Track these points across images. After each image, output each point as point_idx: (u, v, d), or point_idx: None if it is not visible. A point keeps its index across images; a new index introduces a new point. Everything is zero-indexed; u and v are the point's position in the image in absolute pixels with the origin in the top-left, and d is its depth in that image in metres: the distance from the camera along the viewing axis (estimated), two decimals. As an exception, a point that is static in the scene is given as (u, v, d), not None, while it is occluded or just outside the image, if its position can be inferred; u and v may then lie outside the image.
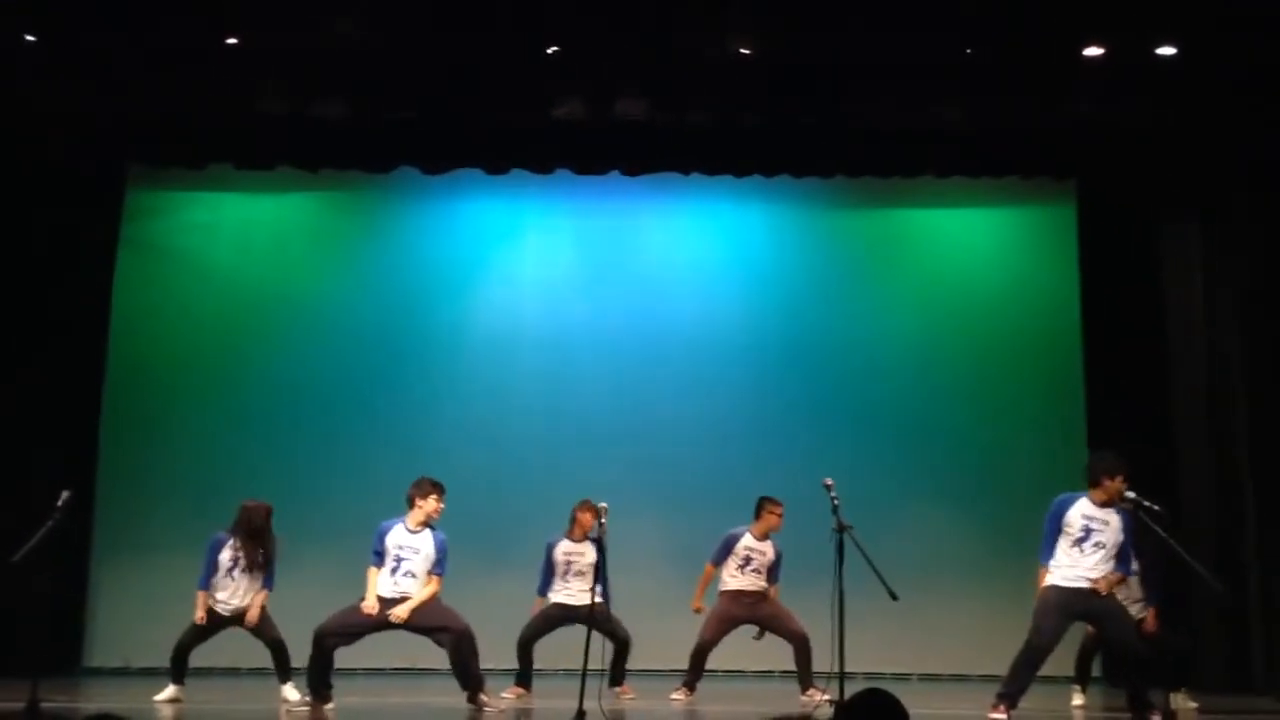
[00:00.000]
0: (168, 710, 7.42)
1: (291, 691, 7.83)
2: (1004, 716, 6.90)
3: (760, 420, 10.51)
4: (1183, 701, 7.55)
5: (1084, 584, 6.92)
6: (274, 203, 10.92)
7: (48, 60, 8.82)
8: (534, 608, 8.56)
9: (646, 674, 9.33)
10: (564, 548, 8.56)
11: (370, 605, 7.37)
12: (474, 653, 7.42)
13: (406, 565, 7.44)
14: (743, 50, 8.83)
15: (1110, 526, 6.99)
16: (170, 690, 7.92)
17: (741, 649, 8.80)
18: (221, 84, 9.03)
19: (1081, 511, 7.02)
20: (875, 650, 8.46)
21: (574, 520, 8.55)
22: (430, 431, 10.41)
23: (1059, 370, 10.53)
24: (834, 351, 10.74)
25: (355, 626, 7.40)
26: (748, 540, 8.46)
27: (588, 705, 6.28)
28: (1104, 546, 6.96)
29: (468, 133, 9.82)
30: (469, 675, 7.41)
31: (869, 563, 7.68)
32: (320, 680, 7.37)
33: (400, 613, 7.35)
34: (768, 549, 8.46)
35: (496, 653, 8.53)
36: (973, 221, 11.04)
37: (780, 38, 8.79)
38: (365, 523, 8.82)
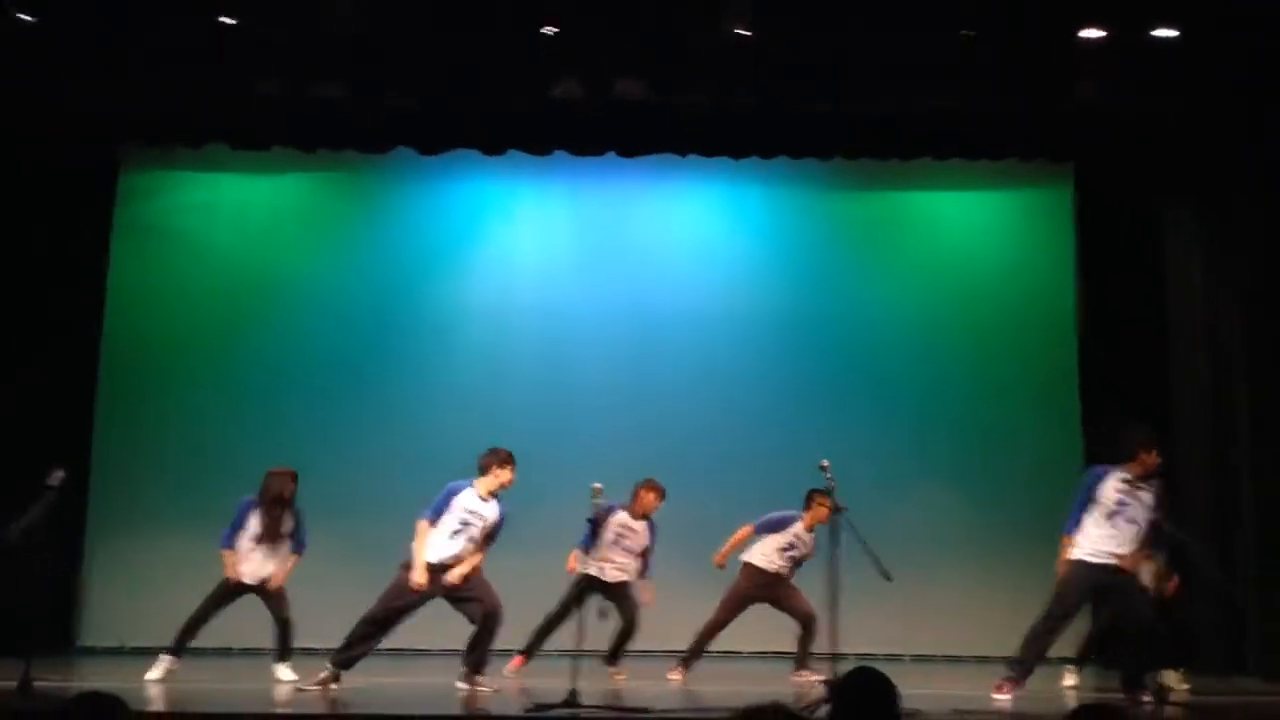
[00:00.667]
0: (157, 689, 7.41)
1: (286, 672, 7.84)
2: (1007, 697, 6.90)
3: (757, 401, 10.51)
4: (1176, 681, 7.56)
5: (1111, 560, 6.89)
6: (270, 183, 10.90)
7: (43, 41, 8.78)
8: (570, 560, 8.40)
9: (645, 655, 9.34)
10: (619, 519, 8.43)
11: (420, 580, 7.28)
12: (493, 634, 7.44)
13: (470, 531, 7.42)
14: (740, 31, 8.79)
15: (1142, 503, 6.93)
16: (165, 664, 7.86)
17: (737, 629, 8.81)
18: (218, 65, 8.98)
19: (1115, 485, 6.95)
20: (868, 630, 8.45)
21: (636, 496, 8.46)
22: (426, 411, 10.42)
23: (1055, 352, 10.54)
24: (831, 333, 10.74)
25: (408, 607, 7.38)
26: (799, 529, 8.41)
27: (580, 685, 6.30)
28: (1136, 523, 6.90)
29: (464, 114, 9.79)
30: (480, 653, 7.43)
31: (862, 543, 7.71)
32: (350, 662, 7.35)
33: (454, 577, 7.32)
34: (811, 542, 8.41)
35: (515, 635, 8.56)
36: (971, 203, 11.03)
37: (778, 20, 8.75)
38: (361, 502, 8.89)
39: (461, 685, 7.40)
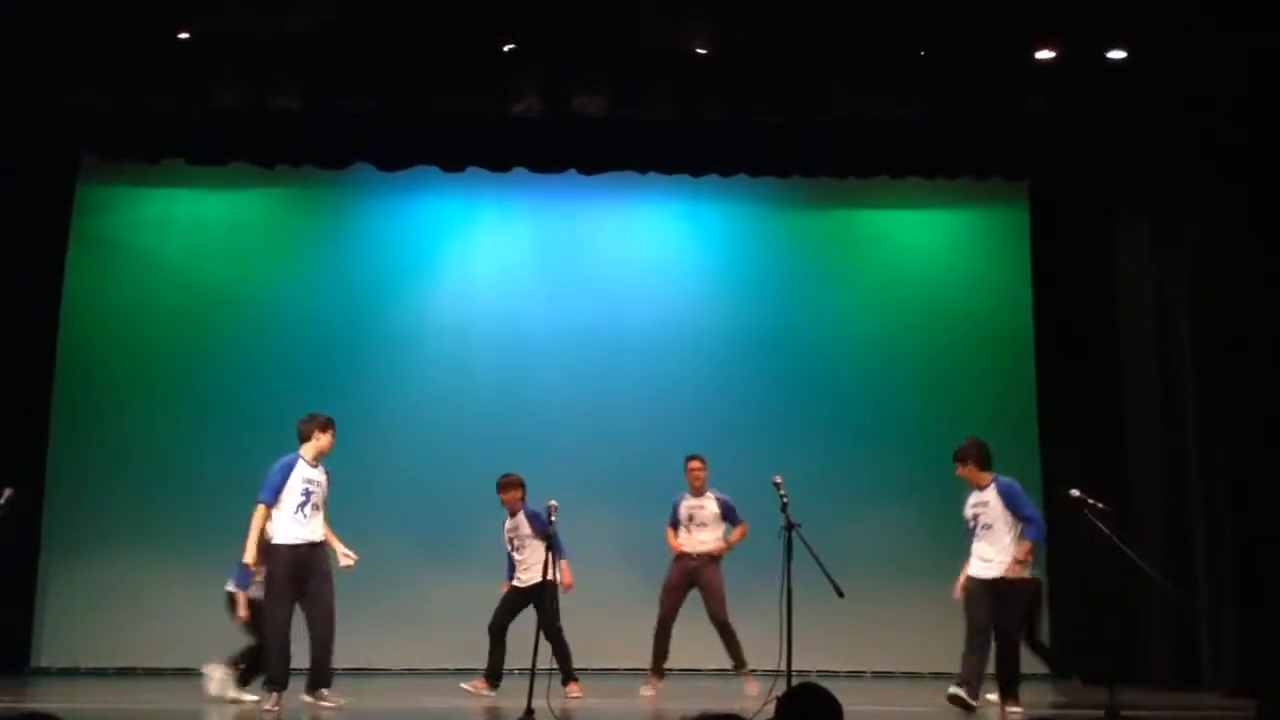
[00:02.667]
0: (104, 712, 7.31)
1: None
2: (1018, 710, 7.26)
3: (714, 418, 10.51)
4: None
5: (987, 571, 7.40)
6: (228, 198, 10.83)
7: (-1, 52, 8.72)
8: (669, 535, 8.83)
9: (605, 673, 9.34)
10: (687, 503, 8.85)
11: (250, 560, 7.35)
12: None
13: (314, 499, 7.49)
14: (700, 50, 8.85)
15: (990, 508, 7.49)
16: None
17: (700, 647, 8.82)
18: (175, 78, 8.93)
19: (970, 502, 7.57)
20: (828, 647, 8.50)
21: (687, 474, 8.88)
22: (386, 426, 10.36)
23: (1012, 369, 10.61)
24: (789, 350, 10.78)
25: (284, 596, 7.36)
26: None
27: (537, 704, 6.29)
28: (991, 527, 7.43)
29: (424, 130, 9.77)
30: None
31: (816, 560, 7.73)
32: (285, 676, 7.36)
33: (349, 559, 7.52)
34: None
35: (459, 650, 8.52)
36: (927, 222, 11.10)
37: (737, 37, 8.81)
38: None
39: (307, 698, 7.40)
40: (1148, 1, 8.47)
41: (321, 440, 7.61)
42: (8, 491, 7.17)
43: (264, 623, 7.39)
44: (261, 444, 10.13)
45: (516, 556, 8.46)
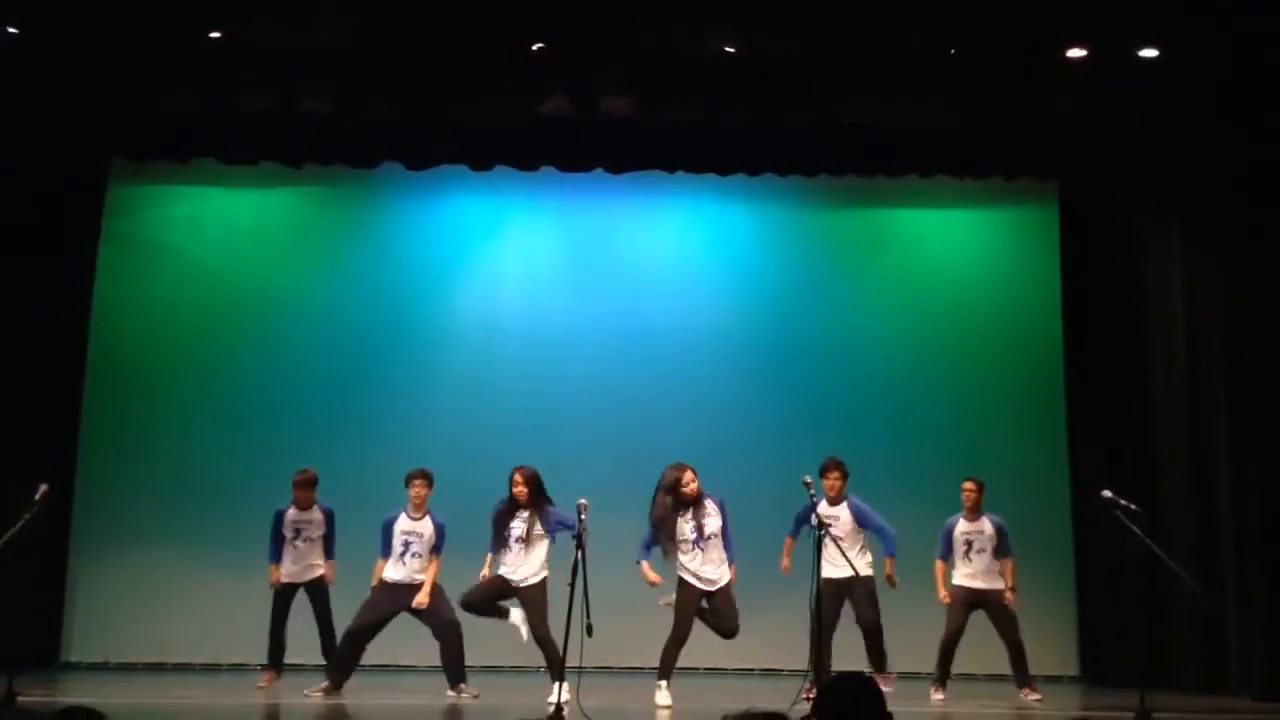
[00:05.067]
0: (141, 707, 7.37)
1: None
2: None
3: (743, 418, 10.51)
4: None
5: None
6: (257, 198, 10.89)
7: (31, 54, 8.79)
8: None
9: (628, 672, 9.35)
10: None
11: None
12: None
13: (414, 548, 8.28)
14: (728, 49, 8.85)
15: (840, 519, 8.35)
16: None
17: (718, 647, 8.81)
18: (205, 79, 9.00)
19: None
20: (854, 646, 8.46)
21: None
22: (413, 426, 10.39)
23: (1040, 370, 10.57)
24: (817, 350, 10.75)
25: (382, 616, 8.16)
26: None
27: (564, 699, 6.29)
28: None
29: (452, 129, 9.79)
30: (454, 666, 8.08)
31: (845, 559, 7.73)
32: (346, 670, 8.12)
33: (423, 598, 8.13)
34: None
35: (488, 646, 8.55)
36: (956, 222, 11.06)
37: (765, 38, 8.81)
38: (347, 517, 8.86)
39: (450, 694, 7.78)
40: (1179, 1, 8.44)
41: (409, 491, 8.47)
42: (42, 488, 7.23)
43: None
44: (290, 441, 10.27)
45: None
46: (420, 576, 8.24)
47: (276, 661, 8.59)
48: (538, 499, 8.17)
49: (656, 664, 8.06)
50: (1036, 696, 8.30)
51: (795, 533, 8.50)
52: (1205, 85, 8.92)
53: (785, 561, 8.53)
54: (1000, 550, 8.54)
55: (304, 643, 8.69)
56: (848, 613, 8.38)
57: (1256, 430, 8.93)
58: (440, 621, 8.18)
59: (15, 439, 9.42)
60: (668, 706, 7.75)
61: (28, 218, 9.77)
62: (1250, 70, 8.68)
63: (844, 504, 8.51)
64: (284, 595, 8.59)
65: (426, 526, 8.32)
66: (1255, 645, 8.71)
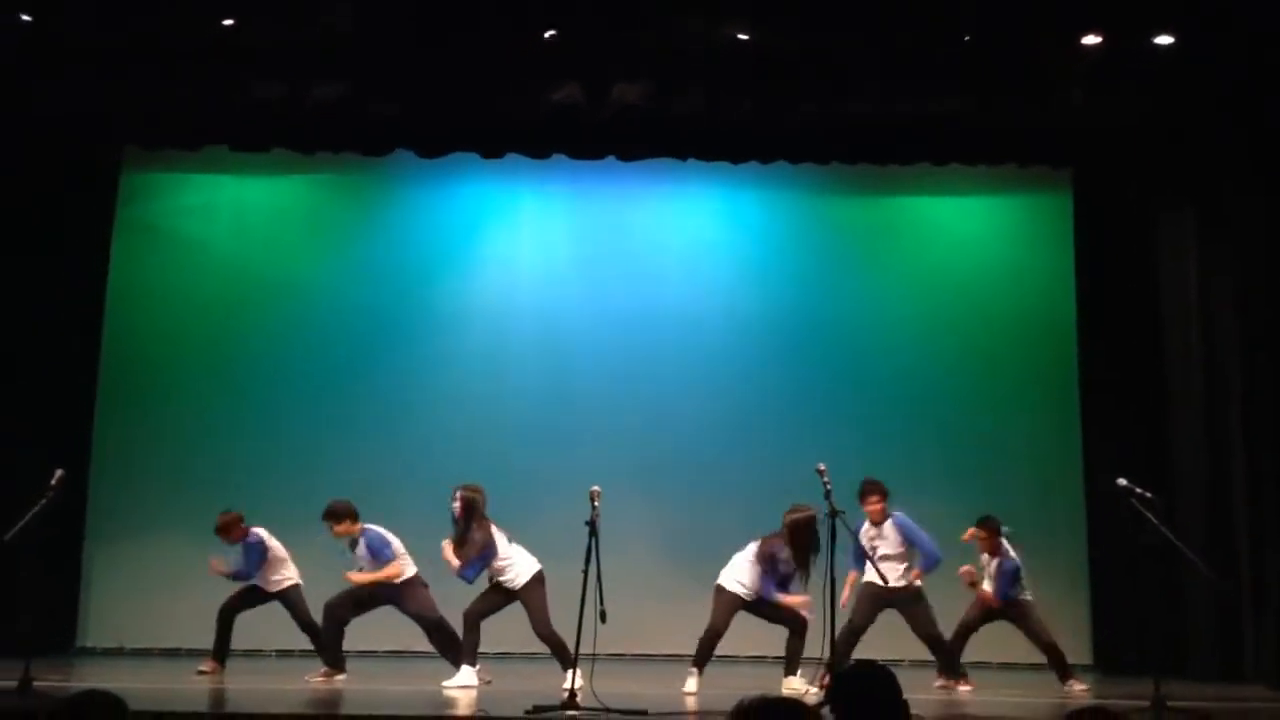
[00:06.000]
0: (154, 690, 7.40)
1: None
2: None
3: (755, 405, 10.52)
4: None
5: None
6: (269, 185, 10.91)
7: (43, 42, 8.79)
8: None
9: (645, 660, 9.37)
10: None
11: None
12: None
13: (365, 567, 8.30)
14: (740, 36, 8.82)
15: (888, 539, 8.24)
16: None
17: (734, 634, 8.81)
18: (217, 66, 9.00)
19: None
20: (867, 635, 8.45)
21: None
22: (426, 413, 10.43)
23: (1054, 358, 10.54)
24: (829, 338, 10.74)
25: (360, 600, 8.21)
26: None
27: (579, 687, 6.30)
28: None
29: (463, 116, 9.77)
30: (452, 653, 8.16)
31: (859, 547, 7.72)
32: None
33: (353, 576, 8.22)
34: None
35: (498, 634, 8.57)
36: (969, 209, 11.04)
37: (777, 24, 8.78)
38: (360, 504, 8.87)
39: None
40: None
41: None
42: (58, 473, 7.27)
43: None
44: (302, 428, 10.31)
45: None
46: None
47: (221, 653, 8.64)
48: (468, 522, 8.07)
49: (670, 652, 8.08)
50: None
51: (860, 566, 8.17)
52: (1221, 72, 8.86)
53: (846, 595, 8.14)
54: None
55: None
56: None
57: (1272, 419, 8.91)
58: (425, 620, 8.27)
59: (31, 425, 9.46)
60: (692, 693, 7.82)
61: (41, 206, 9.81)
62: (1266, 57, 8.63)
63: (889, 522, 8.31)
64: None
65: (361, 550, 8.24)
66: (1270, 634, 8.69)
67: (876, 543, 8.22)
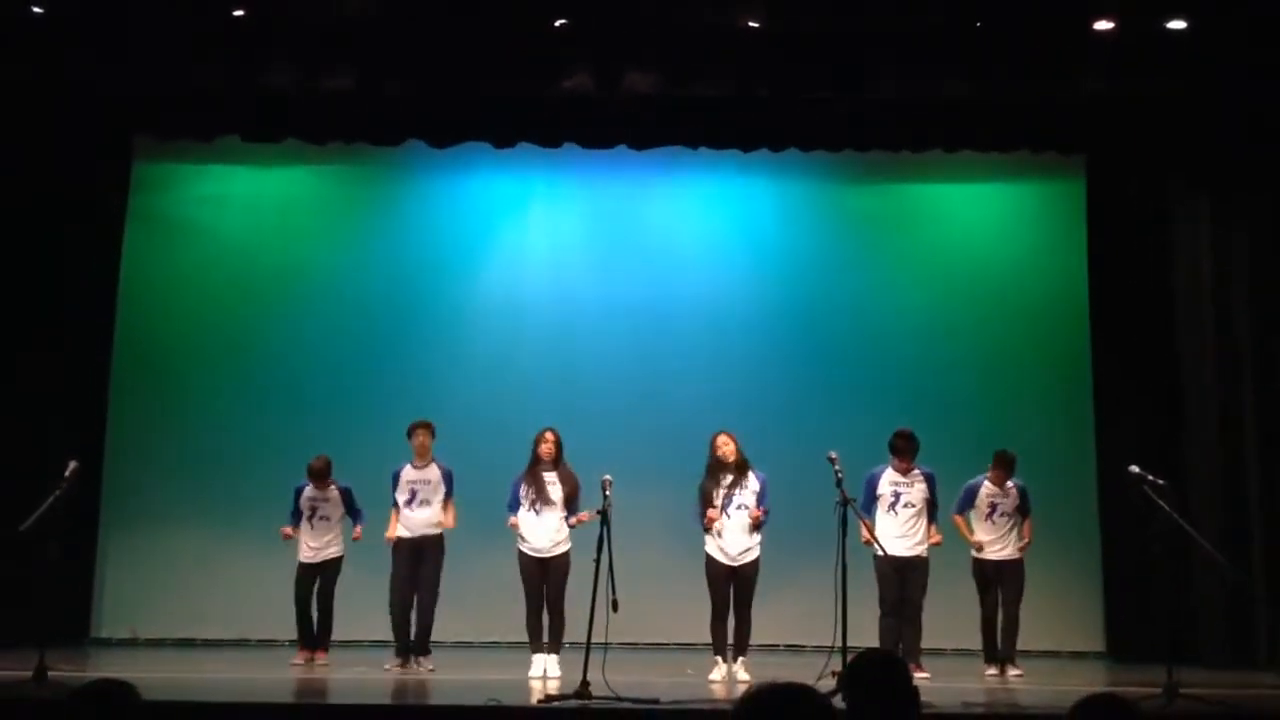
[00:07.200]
0: (169, 679, 7.45)
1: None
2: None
3: (767, 394, 10.50)
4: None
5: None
6: (282, 175, 10.92)
7: (55, 32, 8.82)
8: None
9: (653, 648, 9.39)
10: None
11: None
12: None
13: (421, 495, 8.53)
14: (751, 23, 8.80)
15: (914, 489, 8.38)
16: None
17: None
18: (229, 56, 9.02)
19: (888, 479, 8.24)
20: (877, 623, 8.45)
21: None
22: (437, 403, 10.38)
23: (1067, 345, 10.50)
24: (841, 325, 10.72)
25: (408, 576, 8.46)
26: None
27: (590, 676, 6.32)
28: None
29: (475, 106, 9.80)
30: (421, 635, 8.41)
31: (871, 535, 7.72)
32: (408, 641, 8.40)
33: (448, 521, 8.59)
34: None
35: (510, 622, 8.60)
36: (981, 196, 10.99)
37: (789, 11, 8.76)
38: (372, 492, 8.92)
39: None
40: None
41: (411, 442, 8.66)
42: (72, 464, 7.30)
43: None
44: (315, 418, 10.33)
45: None
46: (432, 530, 8.50)
47: (309, 641, 8.70)
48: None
49: (681, 641, 8.09)
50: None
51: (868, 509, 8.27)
52: (1234, 57, 8.81)
53: (866, 536, 8.03)
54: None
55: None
56: (868, 588, 8.28)
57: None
58: (426, 581, 8.43)
59: (45, 416, 9.51)
60: (719, 681, 7.88)
61: (54, 196, 9.83)
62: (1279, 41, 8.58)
63: (916, 471, 8.48)
64: (304, 580, 8.78)
65: (433, 473, 8.54)
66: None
67: (900, 491, 8.38)
